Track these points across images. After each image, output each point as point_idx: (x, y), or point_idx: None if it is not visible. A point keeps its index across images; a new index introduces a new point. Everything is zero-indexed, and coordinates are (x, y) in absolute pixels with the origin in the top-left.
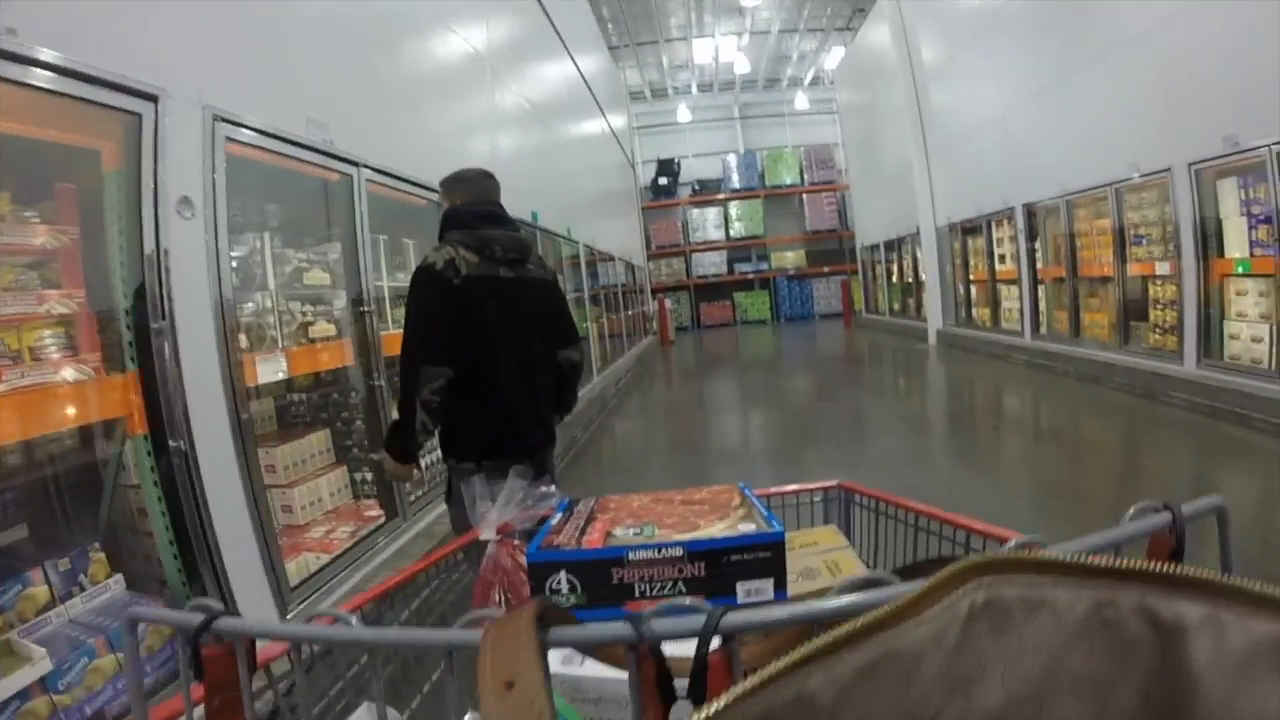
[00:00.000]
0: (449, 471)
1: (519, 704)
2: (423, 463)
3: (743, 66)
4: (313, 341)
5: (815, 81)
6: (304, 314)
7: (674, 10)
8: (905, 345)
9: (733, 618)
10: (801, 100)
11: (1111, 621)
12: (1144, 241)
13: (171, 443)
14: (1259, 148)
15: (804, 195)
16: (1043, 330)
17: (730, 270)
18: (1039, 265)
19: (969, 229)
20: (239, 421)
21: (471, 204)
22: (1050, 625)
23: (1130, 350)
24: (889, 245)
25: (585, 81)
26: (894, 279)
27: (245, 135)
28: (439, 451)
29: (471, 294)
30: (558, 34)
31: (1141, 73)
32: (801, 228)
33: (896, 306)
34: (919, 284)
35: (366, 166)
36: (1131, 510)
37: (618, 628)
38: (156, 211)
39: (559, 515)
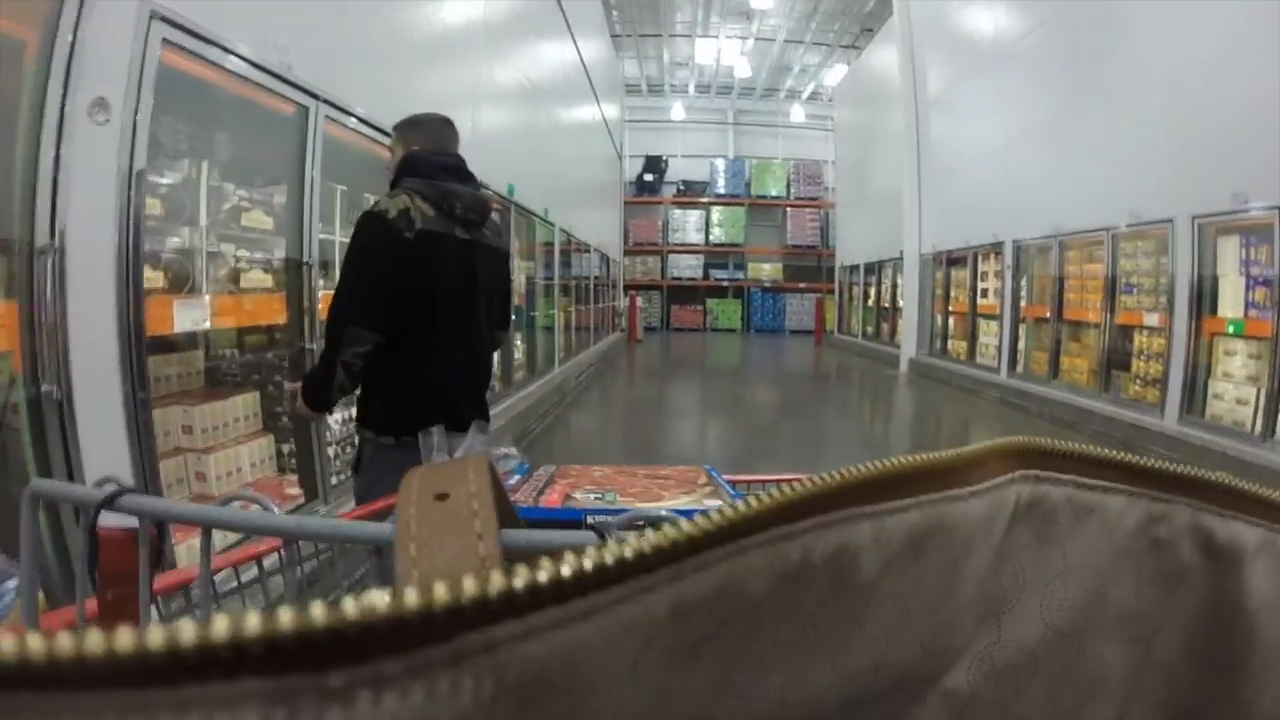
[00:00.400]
0: (361, 441)
1: (453, 511)
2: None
3: (743, 71)
4: (244, 291)
5: (813, 96)
6: (237, 259)
7: (681, 5)
8: (875, 369)
9: None
10: (797, 113)
11: (1162, 542)
12: (1134, 290)
13: (43, 387)
14: (1269, 208)
15: (788, 209)
16: (1019, 369)
17: (706, 275)
18: (1023, 303)
19: (954, 260)
20: (135, 370)
21: (434, 151)
22: (1097, 539)
23: (1109, 399)
24: (869, 268)
25: (583, 64)
26: (870, 302)
27: (188, 43)
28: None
29: (423, 251)
30: (561, 9)
31: (1153, 120)
32: (782, 241)
33: (870, 330)
34: (895, 309)
35: (326, 101)
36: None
37: (580, 535)
38: (63, 109)
39: (517, 477)
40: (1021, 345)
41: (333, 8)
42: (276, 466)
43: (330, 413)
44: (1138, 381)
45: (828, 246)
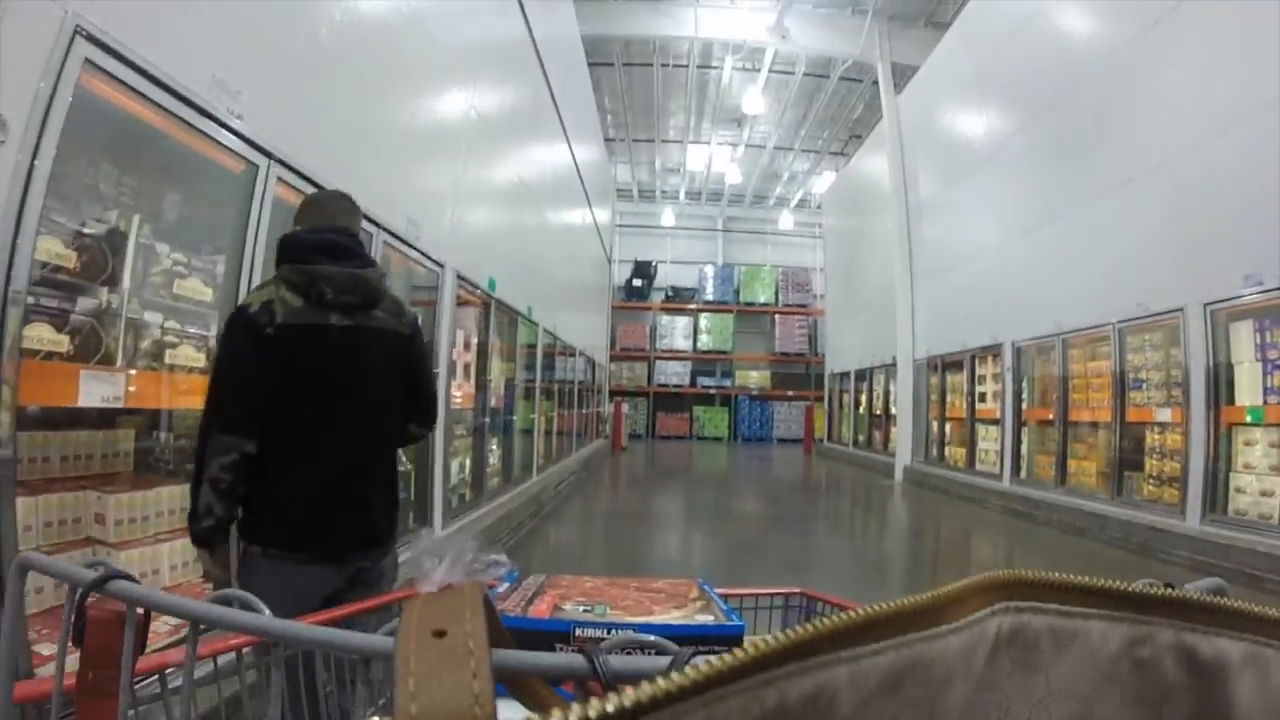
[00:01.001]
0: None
1: (450, 649)
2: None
3: (734, 177)
4: (170, 368)
5: (802, 204)
6: (165, 330)
7: (675, 112)
8: (869, 479)
9: (703, 660)
10: (786, 220)
11: (1146, 662)
12: (1143, 386)
13: None
14: None
15: (776, 315)
16: (1023, 475)
17: (693, 382)
18: (1024, 406)
19: (949, 364)
20: None
21: (312, 230)
22: (1080, 663)
23: (1123, 501)
24: (860, 374)
25: (576, 165)
26: (861, 409)
27: (119, 70)
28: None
29: (286, 346)
30: (556, 107)
31: (1153, 208)
32: (770, 348)
33: (861, 438)
34: (888, 417)
35: (280, 161)
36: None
37: (569, 659)
38: None
39: (506, 585)
40: (1024, 450)
41: (301, 57)
42: (202, 572)
43: (212, 548)
44: (1152, 481)
45: (816, 354)
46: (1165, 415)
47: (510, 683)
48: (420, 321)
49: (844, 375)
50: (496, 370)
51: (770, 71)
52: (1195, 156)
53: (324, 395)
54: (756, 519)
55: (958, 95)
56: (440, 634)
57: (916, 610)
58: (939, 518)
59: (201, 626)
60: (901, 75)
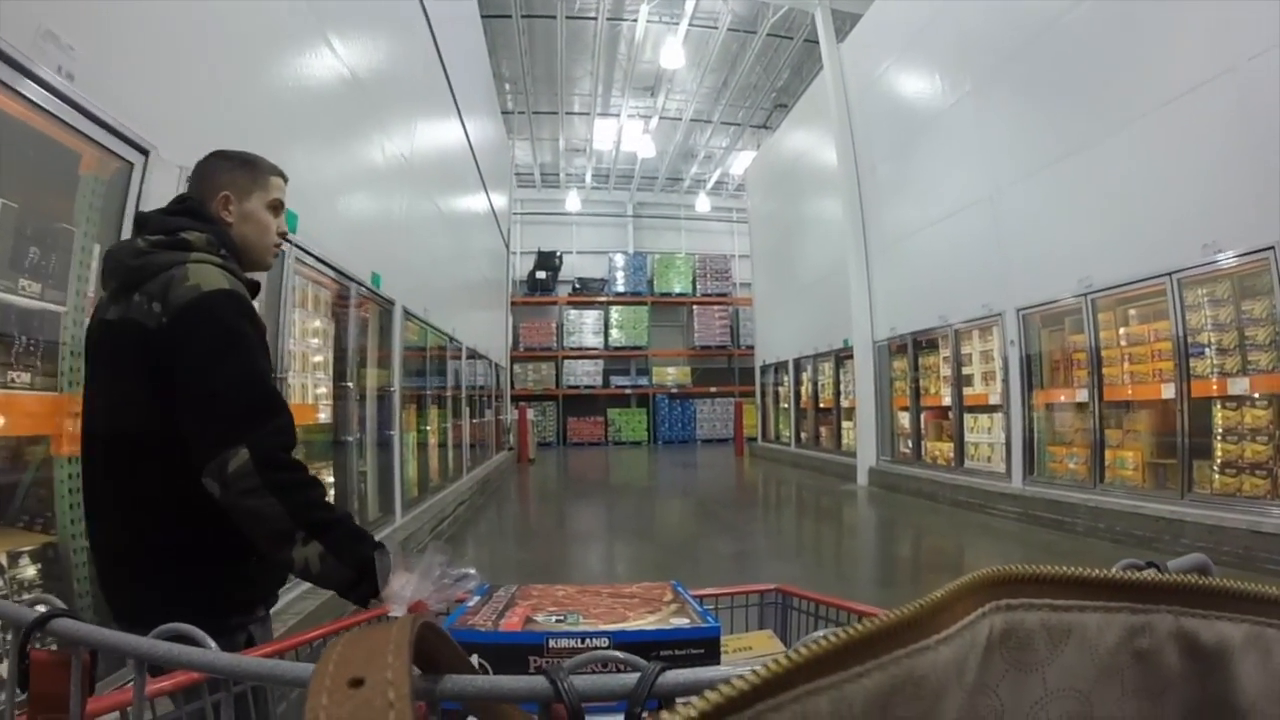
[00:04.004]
0: None
1: (366, 701)
2: None
3: (646, 153)
4: None
5: (719, 186)
6: None
7: (581, 77)
8: (823, 484)
9: (672, 677)
10: (702, 204)
11: (1145, 652)
12: (1204, 351)
13: None
14: None
15: (694, 306)
16: (1038, 473)
17: (606, 383)
18: (1034, 388)
19: (922, 344)
20: None
21: None
22: (1077, 659)
23: (1200, 501)
24: (800, 364)
25: (469, 143)
26: (803, 403)
27: None
28: None
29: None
30: (445, 73)
31: (1215, 122)
32: (689, 342)
33: (805, 435)
34: (839, 410)
35: None
36: (1114, 568)
37: (531, 682)
38: None
39: (477, 598)
40: (1037, 441)
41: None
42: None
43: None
44: (1228, 471)
45: (739, 346)
46: (1241, 386)
47: (477, 708)
48: (212, 305)
49: (779, 366)
50: (372, 379)
51: (691, 25)
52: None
53: (85, 418)
54: (701, 551)
55: (918, 33)
56: (357, 683)
57: (901, 624)
58: (939, 533)
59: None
60: (841, 25)
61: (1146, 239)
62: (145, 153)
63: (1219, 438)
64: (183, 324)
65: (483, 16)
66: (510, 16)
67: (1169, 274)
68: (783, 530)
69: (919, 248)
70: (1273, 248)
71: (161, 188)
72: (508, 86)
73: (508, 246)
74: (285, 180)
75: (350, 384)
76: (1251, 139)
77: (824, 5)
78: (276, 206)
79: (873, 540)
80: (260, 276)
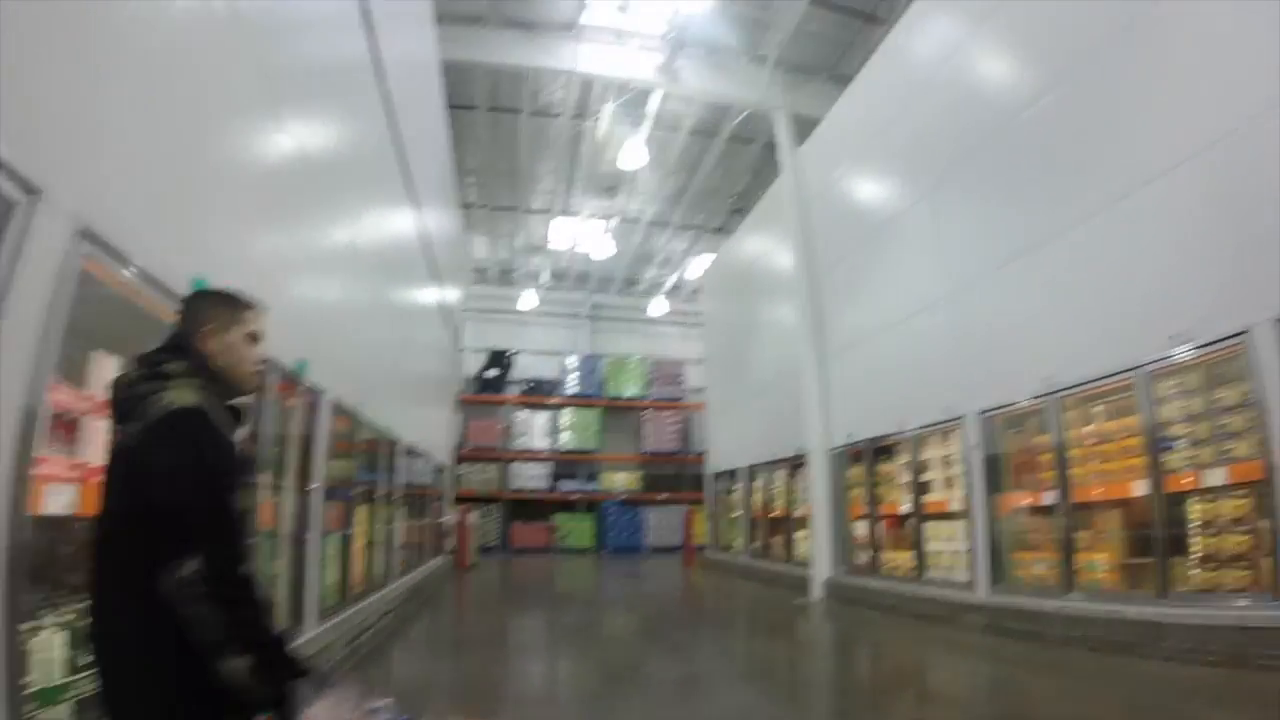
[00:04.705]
0: None
1: None
2: None
3: (604, 254)
4: None
5: (675, 290)
6: None
7: (543, 176)
8: (774, 597)
9: None
10: (657, 307)
11: None
12: (1175, 445)
13: None
14: None
15: (646, 411)
16: (1007, 581)
17: (554, 486)
18: (1001, 492)
19: (879, 450)
20: None
21: None
22: None
23: (1181, 600)
24: (752, 471)
25: (423, 233)
26: (754, 512)
27: None
28: None
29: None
30: (402, 158)
31: (1176, 211)
32: (639, 447)
33: (757, 545)
34: (791, 519)
35: None
36: None
37: None
38: None
39: None
40: (1002, 547)
41: None
42: None
43: None
44: (1208, 565)
45: (691, 452)
46: (1218, 477)
47: None
48: (178, 419)
49: (729, 474)
50: (289, 472)
51: (654, 128)
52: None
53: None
54: (646, 675)
55: (875, 135)
56: None
57: None
58: (902, 651)
59: None
60: (801, 130)
61: (1111, 333)
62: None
63: (1197, 532)
64: (152, 435)
65: (451, 106)
66: (477, 108)
67: (1135, 368)
68: (733, 651)
69: (876, 351)
70: (1246, 331)
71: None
72: (470, 179)
73: (459, 342)
74: (262, 311)
75: (266, 478)
76: (1214, 226)
77: (784, 110)
78: (254, 337)
79: (830, 661)
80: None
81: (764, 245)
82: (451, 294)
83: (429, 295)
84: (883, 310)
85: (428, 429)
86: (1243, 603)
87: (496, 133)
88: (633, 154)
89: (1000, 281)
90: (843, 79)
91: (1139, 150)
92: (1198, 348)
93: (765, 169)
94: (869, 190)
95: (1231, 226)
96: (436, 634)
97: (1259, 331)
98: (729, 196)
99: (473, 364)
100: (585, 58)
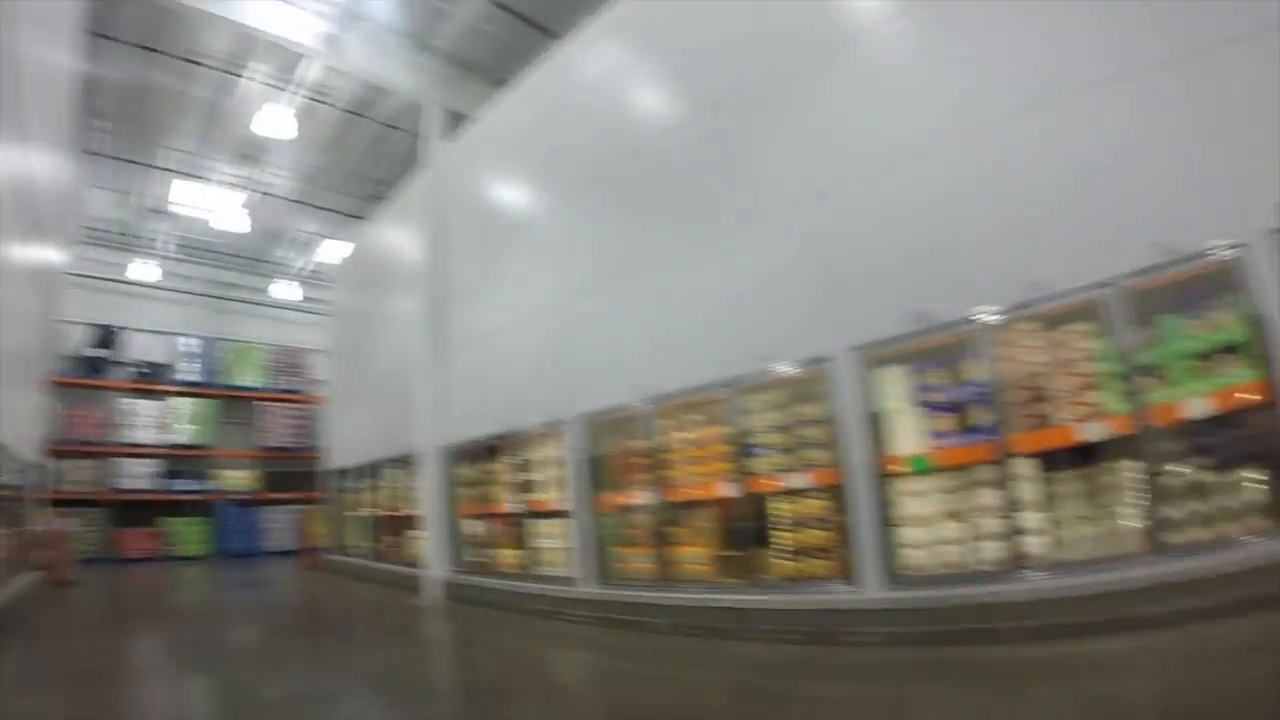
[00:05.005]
0: None
1: None
2: None
3: (234, 229)
4: None
5: (305, 274)
6: None
7: (181, 134)
8: (391, 600)
9: None
10: (285, 292)
11: None
12: (761, 451)
13: None
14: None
15: (265, 403)
16: (609, 574)
17: (165, 486)
18: (603, 491)
19: (491, 450)
20: None
21: None
22: None
23: (773, 587)
24: (373, 469)
25: (18, 175)
26: (373, 512)
27: None
28: None
29: None
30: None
31: (784, 250)
32: (259, 442)
33: (376, 547)
34: (409, 519)
35: None
36: None
37: None
38: None
39: None
40: (606, 543)
41: None
42: None
43: None
44: (796, 557)
45: (313, 449)
46: (799, 480)
47: None
48: None
49: (348, 471)
50: None
51: (306, 98)
52: (830, 188)
53: None
54: (248, 694)
55: (520, 140)
56: None
57: None
58: (512, 647)
59: None
60: (455, 127)
61: (707, 350)
62: None
63: (783, 528)
64: None
65: (93, 33)
66: (124, 42)
67: (727, 382)
68: (349, 660)
69: (493, 352)
70: (829, 359)
71: None
72: (101, 124)
73: (57, 313)
74: None
75: None
76: (807, 264)
77: (439, 103)
78: None
79: (447, 661)
80: None
81: (399, 237)
82: (51, 254)
83: (17, 251)
84: (503, 312)
85: (7, 416)
86: (824, 588)
87: (144, 75)
88: (279, 122)
89: (612, 294)
90: (503, 83)
91: (757, 189)
92: (788, 367)
93: (414, 160)
94: (508, 194)
95: (822, 266)
96: (25, 670)
97: (840, 357)
98: (373, 182)
99: (76, 340)
100: (252, 10)
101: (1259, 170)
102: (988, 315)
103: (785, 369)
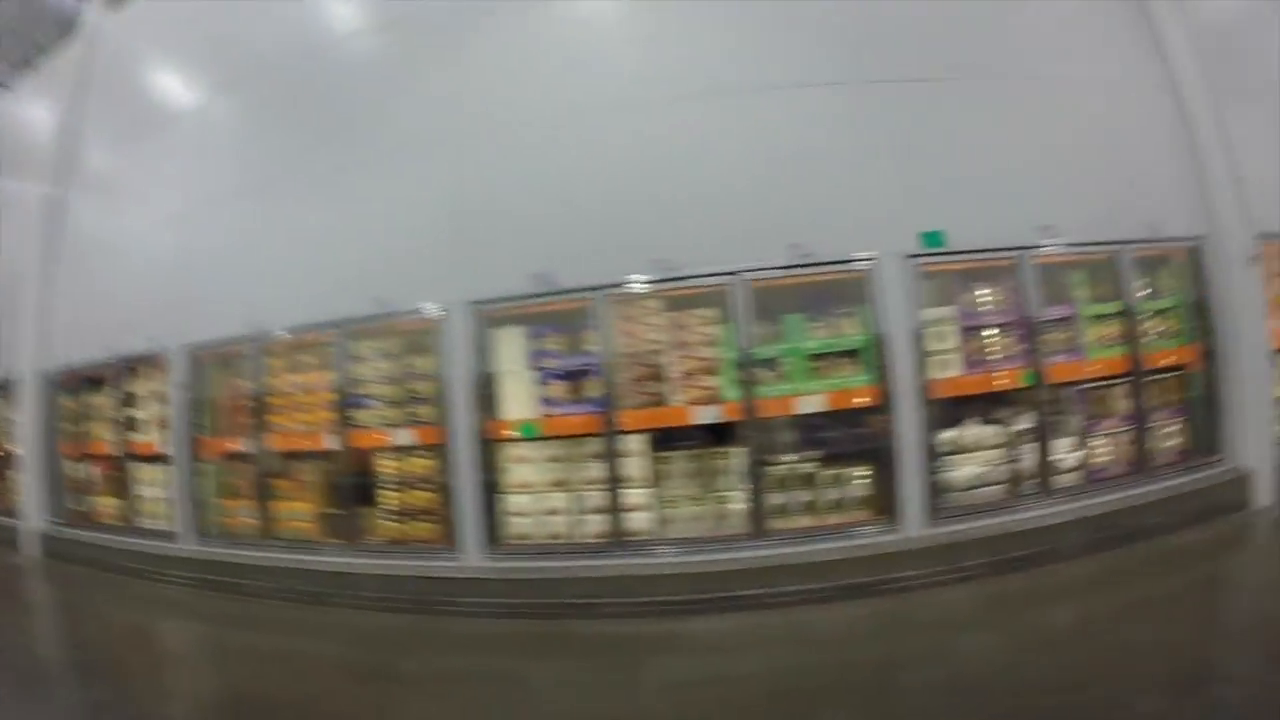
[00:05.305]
0: None
1: None
2: None
3: None
4: None
5: None
6: None
7: None
8: None
9: None
10: None
11: None
12: (371, 403)
13: None
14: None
15: None
16: (213, 530)
17: None
18: (207, 435)
19: (97, 379)
20: None
21: None
22: None
23: (374, 550)
24: None
25: None
26: None
27: None
28: None
29: None
30: None
31: (414, 189)
32: None
33: None
34: (8, 458)
35: None
36: None
37: None
38: None
39: None
40: (211, 495)
41: None
42: None
43: None
44: (398, 518)
45: None
46: (406, 437)
47: None
48: None
49: None
50: None
51: None
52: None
53: None
54: None
55: (186, 26)
56: None
57: None
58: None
59: None
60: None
61: (326, 286)
62: None
63: (388, 486)
64: None
65: None
66: None
67: (339, 323)
68: None
69: (114, 261)
70: (447, 311)
71: None
72: None
73: None
74: None
75: None
76: (448, 208)
77: None
78: None
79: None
80: None
81: (34, 112)
82: None
83: None
84: (131, 216)
85: None
86: (424, 554)
87: None
88: None
89: (245, 208)
90: None
91: (410, 124)
92: (404, 315)
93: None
94: (163, 81)
95: (454, 215)
96: None
97: (456, 310)
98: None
99: None
100: None
101: (905, 198)
102: (611, 287)
103: (402, 317)
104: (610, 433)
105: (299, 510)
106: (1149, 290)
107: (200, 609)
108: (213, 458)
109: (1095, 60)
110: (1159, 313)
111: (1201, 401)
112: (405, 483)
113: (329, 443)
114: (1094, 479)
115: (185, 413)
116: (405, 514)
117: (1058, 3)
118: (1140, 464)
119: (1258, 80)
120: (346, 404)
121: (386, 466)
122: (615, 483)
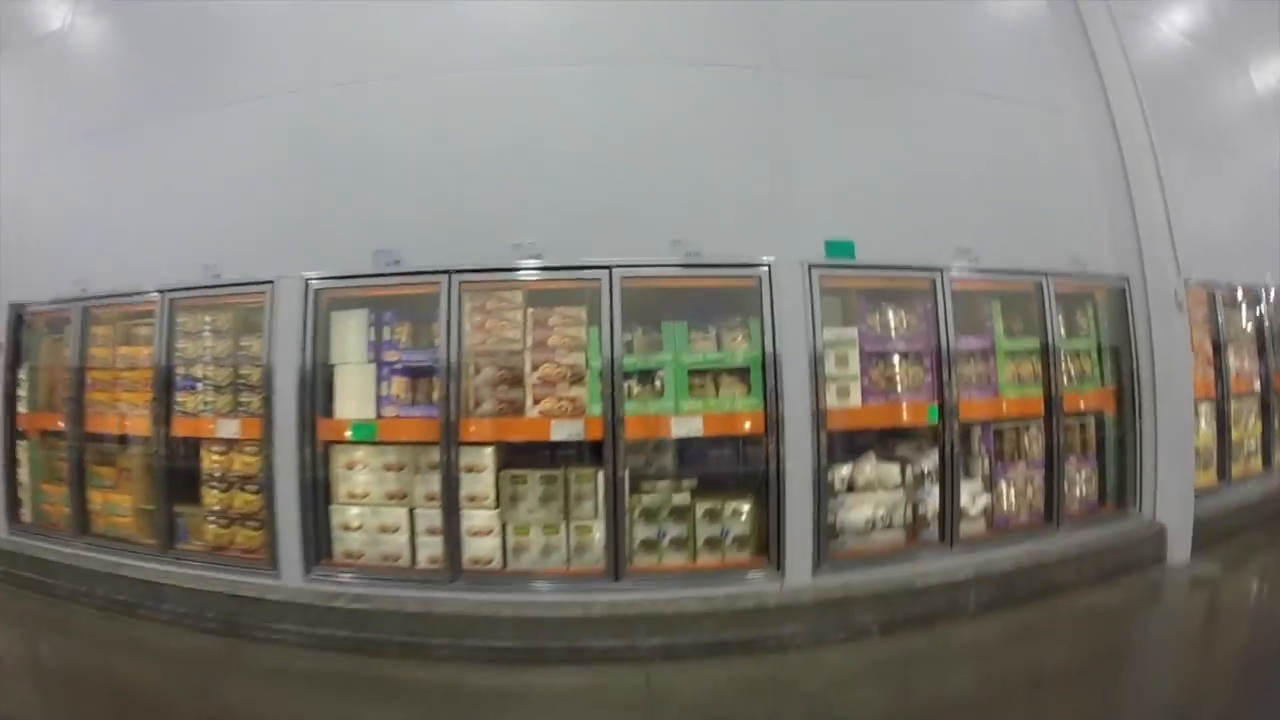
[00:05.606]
0: None
1: None
2: None
3: None
4: None
5: None
6: None
7: None
8: None
9: None
10: None
11: None
12: (196, 386)
13: None
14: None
15: None
16: (29, 518)
17: None
18: (24, 410)
19: None
20: None
21: None
22: None
23: (186, 557)
24: None
25: None
26: None
27: None
28: None
29: None
30: None
31: (262, 140)
32: None
33: None
34: None
35: None
36: None
37: None
38: None
39: None
40: (29, 478)
41: None
42: None
43: None
44: (218, 521)
45: None
46: (232, 428)
47: None
48: None
49: None
50: None
51: None
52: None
53: None
54: None
55: None
56: None
57: None
58: None
59: None
60: None
61: (157, 247)
62: None
63: (213, 484)
64: None
65: None
66: None
67: (165, 290)
68: None
69: None
70: (279, 285)
71: None
72: None
73: None
74: None
75: None
76: (291, 163)
77: None
78: None
79: None
80: None
81: None
82: None
83: None
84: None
85: None
86: (240, 569)
87: None
88: None
89: (96, 145)
90: None
91: (273, 58)
92: (234, 286)
93: None
94: None
95: (301, 175)
96: None
97: (284, 285)
98: None
99: None
100: None
101: (813, 200)
102: (465, 272)
103: (233, 290)
104: (455, 442)
105: (118, 504)
106: (1070, 328)
107: (6, 609)
108: (32, 435)
109: (1033, 82)
110: (1079, 353)
111: (1118, 449)
112: (230, 481)
113: (152, 429)
114: (1000, 527)
115: (4, 379)
116: (229, 518)
117: (1001, 18)
118: (1050, 513)
119: (1192, 127)
120: (171, 385)
121: (212, 461)
122: (457, 502)
